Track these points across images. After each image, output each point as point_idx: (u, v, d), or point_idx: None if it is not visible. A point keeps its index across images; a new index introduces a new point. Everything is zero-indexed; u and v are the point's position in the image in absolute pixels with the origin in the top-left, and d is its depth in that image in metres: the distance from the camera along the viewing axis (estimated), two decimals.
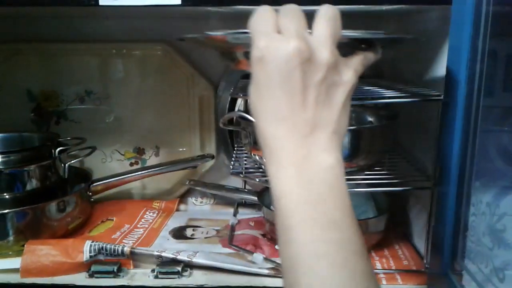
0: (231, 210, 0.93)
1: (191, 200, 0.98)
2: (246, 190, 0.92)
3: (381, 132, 0.70)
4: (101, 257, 0.70)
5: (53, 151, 0.82)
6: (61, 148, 0.83)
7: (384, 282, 0.66)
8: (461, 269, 0.59)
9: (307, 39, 0.37)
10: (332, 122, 0.38)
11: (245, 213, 0.92)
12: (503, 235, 0.62)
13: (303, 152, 0.37)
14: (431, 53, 0.70)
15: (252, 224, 0.86)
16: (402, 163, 0.77)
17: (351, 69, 0.39)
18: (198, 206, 0.97)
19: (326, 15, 0.38)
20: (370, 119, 0.79)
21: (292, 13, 0.38)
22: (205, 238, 0.81)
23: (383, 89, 0.70)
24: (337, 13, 0.39)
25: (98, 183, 0.87)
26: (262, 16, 0.39)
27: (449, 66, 0.58)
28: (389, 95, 0.67)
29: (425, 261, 0.68)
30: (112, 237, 0.80)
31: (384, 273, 0.68)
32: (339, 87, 0.38)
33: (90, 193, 0.87)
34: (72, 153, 0.89)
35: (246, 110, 0.90)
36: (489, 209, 0.62)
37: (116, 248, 0.69)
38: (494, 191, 0.64)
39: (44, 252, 0.69)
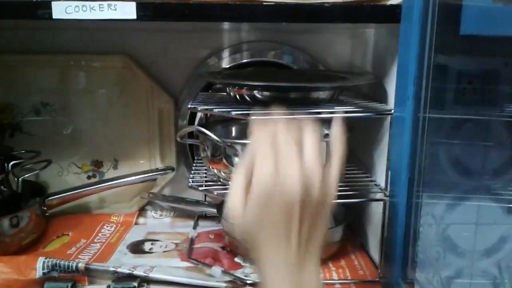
0: (191, 223, 0.93)
1: (151, 213, 0.96)
2: (206, 203, 0.91)
3: None
4: (54, 274, 0.68)
5: (6, 164, 0.80)
6: (14, 162, 0.81)
7: None
8: (412, 278, 0.61)
9: (306, 179, 0.43)
10: (319, 243, 0.45)
11: (206, 226, 0.92)
12: (451, 245, 0.64)
13: (297, 271, 0.43)
14: (385, 69, 0.73)
15: (212, 236, 0.86)
16: (358, 175, 0.79)
17: (329, 200, 0.45)
18: (157, 219, 0.95)
19: (315, 151, 0.44)
20: (326, 131, 0.81)
21: (288, 139, 0.44)
22: (164, 252, 0.81)
23: (340, 103, 0.73)
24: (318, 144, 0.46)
25: (54, 197, 0.85)
26: (261, 135, 0.45)
27: (398, 82, 0.60)
28: (345, 110, 0.69)
29: (379, 271, 0.70)
30: (67, 252, 0.78)
31: (340, 284, 0.69)
32: (323, 217, 0.45)
33: (45, 208, 0.84)
34: (27, 166, 0.87)
35: (206, 123, 0.90)
36: (438, 220, 0.64)
37: (70, 264, 0.68)
38: (445, 201, 0.67)
39: None
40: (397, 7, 0.58)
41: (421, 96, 0.56)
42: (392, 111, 0.64)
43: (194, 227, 0.90)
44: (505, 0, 0.56)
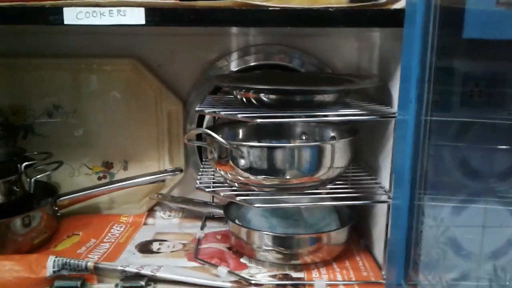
0: (199, 223, 0.94)
1: (159, 214, 0.98)
2: (214, 204, 0.93)
3: (342, 147, 0.73)
4: (64, 272, 0.70)
5: (19, 166, 0.82)
6: (27, 163, 0.83)
7: None
8: (414, 280, 0.61)
9: None
10: None
11: (213, 227, 0.93)
12: (455, 248, 0.64)
13: None
14: (390, 72, 0.73)
15: (219, 237, 0.87)
16: (364, 177, 0.80)
17: None
18: (166, 220, 0.97)
19: None
20: (332, 134, 0.82)
21: None
22: (171, 252, 0.82)
23: (345, 106, 0.73)
24: None
25: (65, 197, 0.88)
26: None
27: (401, 85, 0.61)
28: (350, 113, 0.70)
29: (383, 273, 0.71)
30: (78, 252, 0.80)
31: (344, 285, 0.70)
32: None
33: (57, 208, 0.86)
34: (39, 167, 0.89)
35: (214, 125, 0.91)
36: (441, 222, 0.65)
37: (80, 263, 0.70)
38: (450, 204, 0.67)
39: (8, 267, 0.69)
40: (401, 11, 0.59)
41: (424, 99, 0.57)
42: (396, 114, 0.64)
43: (202, 228, 0.92)
44: (508, 4, 0.56)
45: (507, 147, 0.63)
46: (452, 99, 0.60)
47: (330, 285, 0.69)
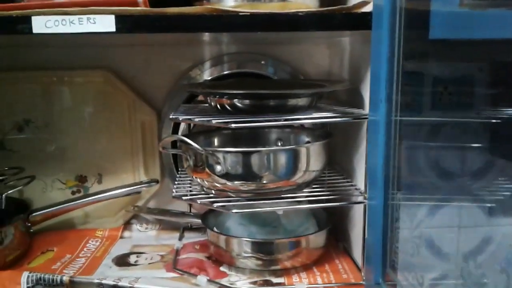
0: (177, 235, 0.93)
1: (136, 226, 0.97)
2: (191, 214, 0.92)
3: (317, 150, 0.73)
4: None
5: None
6: None
7: None
8: (393, 280, 0.62)
9: None
10: None
11: (191, 237, 0.92)
12: (431, 246, 0.65)
13: None
14: (361, 75, 0.75)
15: (197, 247, 0.87)
16: (339, 180, 0.81)
17: None
18: (143, 233, 0.96)
19: None
20: (307, 139, 0.83)
21: None
22: (149, 264, 0.81)
23: (318, 110, 0.74)
24: None
25: (38, 213, 0.85)
26: None
27: (372, 86, 0.62)
28: (323, 115, 0.71)
29: (362, 274, 0.71)
30: (52, 267, 0.78)
31: (324, 287, 0.70)
32: None
33: (29, 224, 0.84)
34: (11, 183, 0.87)
35: (189, 134, 0.91)
36: (416, 221, 0.66)
37: (55, 278, 0.68)
38: (424, 203, 0.68)
39: None
40: (368, 14, 0.60)
41: (393, 99, 0.58)
42: (368, 115, 0.65)
43: (180, 239, 0.90)
44: (470, 5, 0.58)
45: (477, 145, 0.65)
46: (422, 99, 0.61)
47: None
